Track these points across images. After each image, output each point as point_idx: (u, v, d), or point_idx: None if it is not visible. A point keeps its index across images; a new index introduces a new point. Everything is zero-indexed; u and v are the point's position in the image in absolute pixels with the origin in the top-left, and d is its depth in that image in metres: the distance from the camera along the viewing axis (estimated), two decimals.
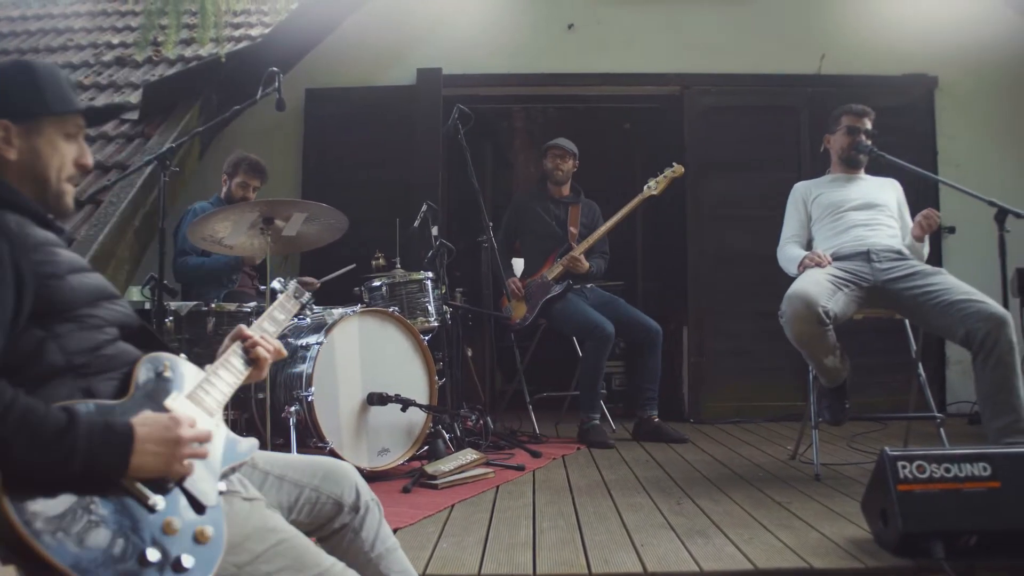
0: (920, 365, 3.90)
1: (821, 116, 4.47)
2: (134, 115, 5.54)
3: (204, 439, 1.50)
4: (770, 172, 5.85)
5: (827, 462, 3.90)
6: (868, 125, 4.03)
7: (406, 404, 3.71)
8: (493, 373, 6.56)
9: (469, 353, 5.61)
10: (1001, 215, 3.72)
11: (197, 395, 1.60)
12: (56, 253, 1.53)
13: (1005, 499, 2.39)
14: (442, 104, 5.77)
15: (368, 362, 3.74)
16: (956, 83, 6.18)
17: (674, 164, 5.10)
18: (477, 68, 6.01)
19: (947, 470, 2.45)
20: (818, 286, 3.42)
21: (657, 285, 6.89)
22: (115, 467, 1.36)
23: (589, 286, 5.20)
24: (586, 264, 5.05)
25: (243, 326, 1.83)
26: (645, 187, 5.09)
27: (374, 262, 4.71)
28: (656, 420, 4.93)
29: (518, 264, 5.34)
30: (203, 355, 3.79)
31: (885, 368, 5.08)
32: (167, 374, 1.58)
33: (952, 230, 5.93)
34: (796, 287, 3.43)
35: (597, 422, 4.86)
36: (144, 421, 1.42)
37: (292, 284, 2.20)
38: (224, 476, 1.56)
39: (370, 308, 3.86)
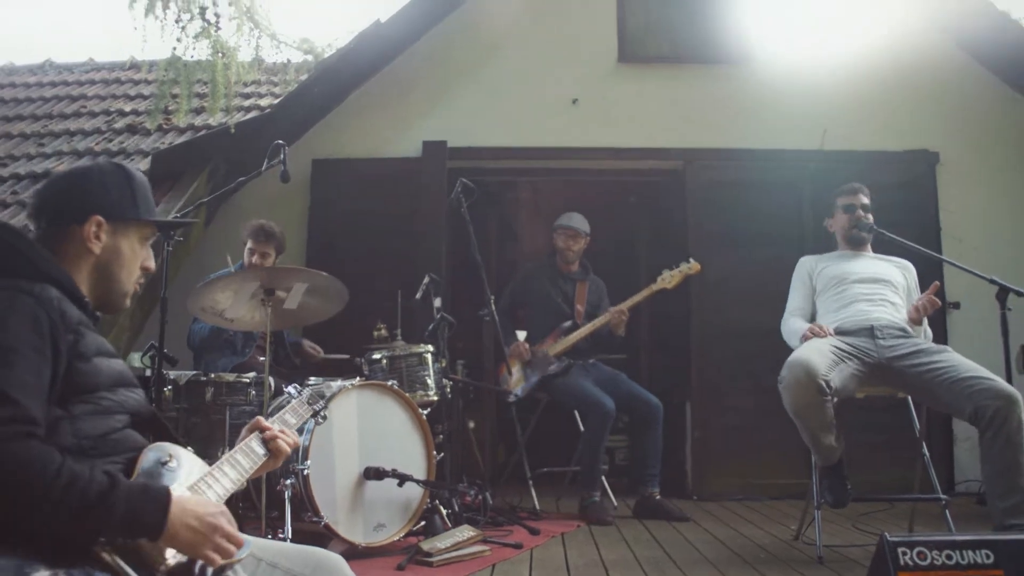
0: (924, 444, 3.86)
1: (823, 191, 4.49)
2: None
3: (237, 543, 1.52)
4: (772, 247, 5.85)
5: (830, 543, 3.83)
6: (864, 200, 4.06)
7: (403, 479, 3.67)
8: (495, 446, 6.50)
9: (471, 425, 5.58)
10: (1003, 293, 3.75)
11: (199, 487, 1.61)
12: (85, 334, 1.56)
13: None
14: (447, 176, 5.83)
15: (366, 435, 3.71)
16: (957, 158, 6.22)
17: (691, 260, 5.07)
18: (482, 141, 6.09)
19: (948, 557, 2.41)
20: (821, 355, 3.40)
21: (661, 358, 6.87)
22: (153, 526, 1.40)
23: (592, 361, 5.19)
24: (624, 321, 5.02)
25: (261, 417, 1.88)
26: (659, 278, 5.05)
27: (376, 333, 4.70)
28: (658, 497, 4.86)
29: (520, 335, 5.31)
30: (200, 425, 3.80)
31: (892, 445, 5.03)
32: (171, 464, 1.60)
33: (957, 306, 5.92)
34: (798, 354, 3.42)
35: (597, 499, 4.79)
36: (187, 496, 1.48)
37: (307, 391, 2.22)
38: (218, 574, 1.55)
39: (369, 381, 3.84)
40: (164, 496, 1.43)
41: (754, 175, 6.11)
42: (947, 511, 3.68)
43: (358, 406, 3.72)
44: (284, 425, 1.94)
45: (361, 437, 3.69)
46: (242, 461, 1.76)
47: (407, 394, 4.06)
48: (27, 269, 1.54)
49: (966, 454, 5.72)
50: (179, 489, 1.55)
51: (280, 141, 4.00)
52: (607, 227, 7.07)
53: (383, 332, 4.69)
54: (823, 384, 3.28)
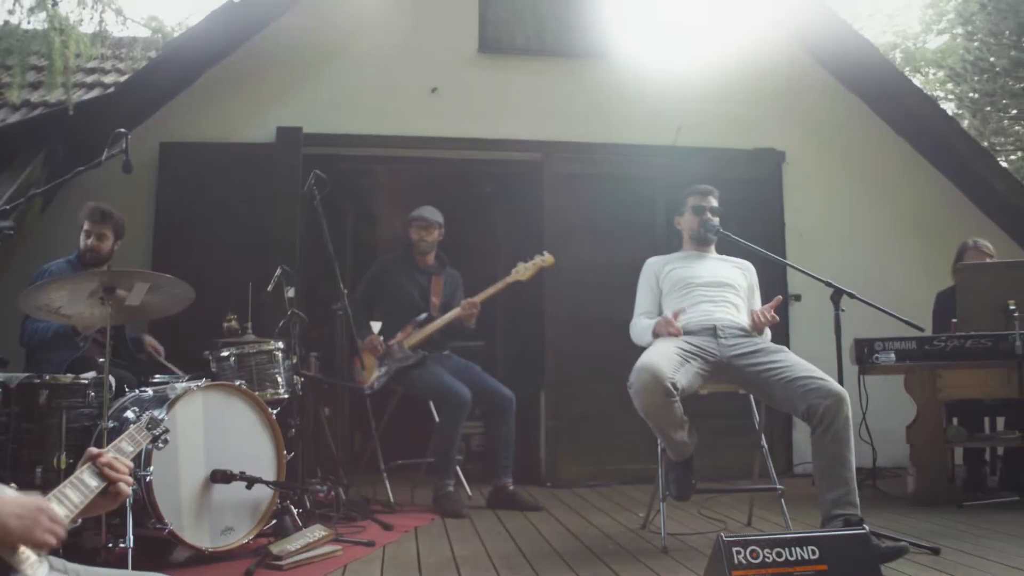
0: (763, 436, 4.05)
1: (676, 186, 4.63)
2: None
3: (63, 526, 1.54)
4: (626, 240, 6.01)
5: (675, 531, 3.99)
6: (713, 203, 4.21)
7: (251, 481, 3.59)
8: (352, 435, 6.45)
9: (327, 412, 5.49)
10: (836, 295, 3.98)
11: None
12: None
13: None
14: (302, 163, 5.70)
15: (212, 437, 3.60)
16: (802, 157, 6.56)
17: (545, 253, 5.12)
18: (339, 128, 5.97)
19: (779, 555, 2.55)
20: (666, 359, 3.52)
21: (516, 346, 6.95)
22: None
23: (446, 352, 5.20)
24: (475, 314, 5.03)
25: (93, 448, 1.78)
26: (513, 271, 5.08)
27: (226, 324, 4.57)
28: (511, 488, 4.93)
29: (375, 327, 5.27)
30: (33, 430, 3.60)
31: (735, 430, 5.20)
32: None
33: (798, 298, 6.22)
34: (644, 360, 3.52)
35: (451, 489, 4.83)
36: (4, 495, 1.49)
37: (146, 416, 2.12)
38: None
39: (215, 383, 3.73)
40: None
41: (610, 168, 6.24)
42: (782, 500, 3.87)
43: (204, 408, 3.60)
44: (120, 454, 1.84)
45: (207, 439, 3.58)
46: (71, 496, 1.67)
47: (256, 392, 3.98)
48: None
49: (804, 438, 6.00)
50: None
51: (122, 129, 3.78)
52: (467, 216, 7.10)
53: (233, 324, 4.57)
54: (670, 387, 3.39)
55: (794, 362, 3.58)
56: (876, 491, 5.09)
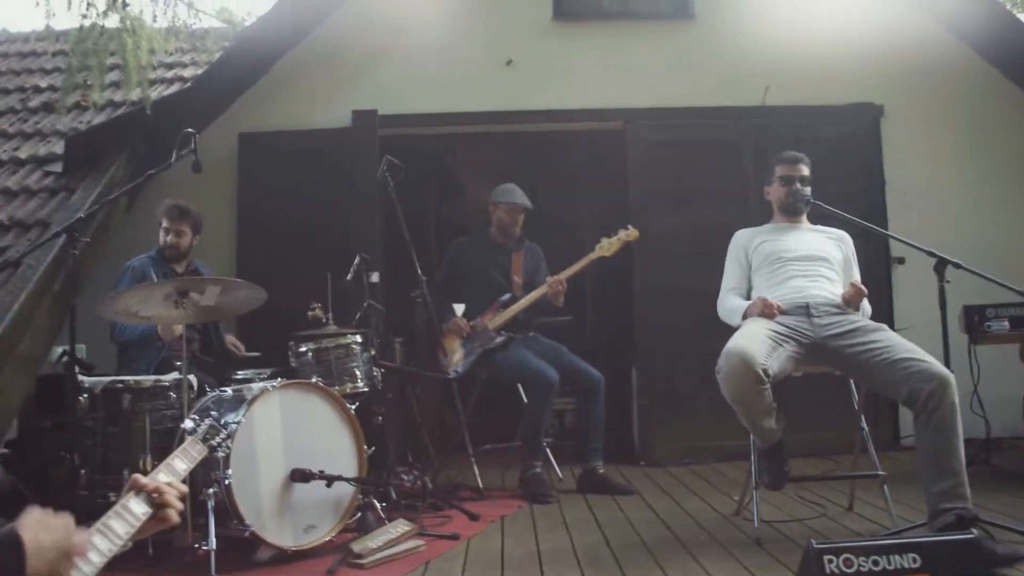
0: (863, 418, 3.83)
1: (766, 148, 4.40)
2: (58, 167, 5.34)
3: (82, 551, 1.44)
4: (714, 206, 5.78)
5: (771, 518, 3.83)
6: (804, 171, 3.95)
7: (330, 479, 3.57)
8: (443, 420, 6.42)
9: (415, 400, 5.45)
10: (940, 265, 3.64)
11: None
12: None
13: None
14: (379, 146, 5.64)
15: (291, 436, 3.58)
16: (902, 111, 6.14)
17: (629, 227, 4.95)
18: (414, 108, 5.86)
19: (875, 563, 2.37)
20: (757, 343, 3.33)
21: (606, 320, 6.80)
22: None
23: (532, 334, 5.09)
24: (562, 291, 4.91)
25: (138, 476, 1.66)
26: (597, 246, 4.92)
27: (310, 314, 4.55)
28: (601, 471, 4.82)
29: (458, 309, 5.18)
30: (118, 434, 3.65)
31: (835, 403, 4.96)
32: None
33: (901, 261, 5.88)
34: (734, 343, 3.34)
35: (539, 470, 4.75)
36: (35, 536, 1.37)
37: (204, 426, 2.06)
38: None
39: (291, 381, 3.71)
40: (17, 544, 1.34)
41: (695, 134, 5.99)
42: (885, 487, 3.65)
43: (281, 407, 3.58)
44: (172, 473, 1.73)
45: (286, 438, 3.57)
46: (115, 527, 1.59)
47: (335, 387, 3.95)
48: None
49: None
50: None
51: (190, 129, 3.77)
52: (550, 187, 6.94)
53: (317, 313, 4.54)
54: (761, 373, 3.21)
55: (895, 342, 3.33)
56: (991, 467, 4.78)
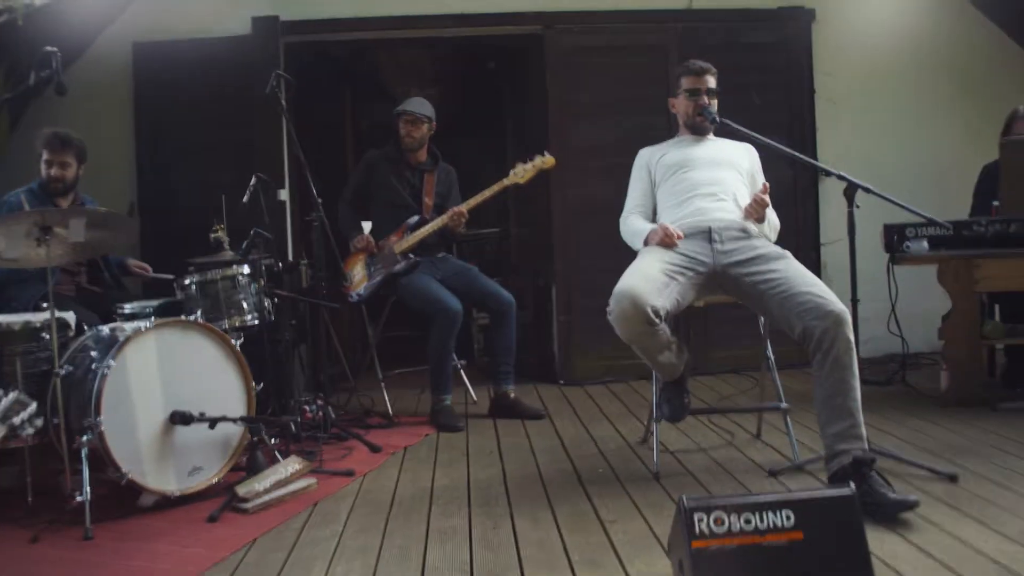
0: (769, 345, 3.74)
1: (692, 54, 4.15)
2: None
3: None
4: (638, 117, 5.56)
5: (679, 447, 3.81)
6: (711, 83, 3.69)
7: (213, 421, 3.41)
8: (354, 345, 6.27)
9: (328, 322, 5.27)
10: (850, 190, 3.47)
11: None
12: None
13: (805, 551, 2.23)
14: (284, 54, 5.32)
15: (170, 377, 3.39)
16: (835, 16, 5.92)
17: (545, 153, 4.69)
18: (320, 13, 5.49)
19: (747, 521, 2.27)
20: (648, 281, 3.18)
21: (529, 234, 6.62)
22: None
23: (441, 255, 4.91)
24: (463, 222, 4.73)
25: None
26: (512, 172, 4.66)
27: (212, 236, 4.31)
28: (512, 396, 4.73)
29: (366, 227, 4.95)
30: None
31: (756, 320, 4.92)
32: None
33: (827, 174, 5.70)
34: (624, 284, 3.19)
35: (448, 403, 4.64)
36: None
37: (7, 399, 1.87)
38: None
39: (166, 320, 3.49)
40: None
41: (618, 39, 5.71)
42: (787, 418, 3.59)
43: (158, 348, 3.38)
44: None
45: (164, 380, 3.38)
46: None
47: (223, 320, 3.78)
48: None
49: None
50: None
51: (50, 48, 3.43)
52: (472, 96, 6.67)
53: (220, 235, 4.31)
54: (651, 314, 3.07)
55: (794, 274, 3.16)
56: (906, 387, 4.77)
